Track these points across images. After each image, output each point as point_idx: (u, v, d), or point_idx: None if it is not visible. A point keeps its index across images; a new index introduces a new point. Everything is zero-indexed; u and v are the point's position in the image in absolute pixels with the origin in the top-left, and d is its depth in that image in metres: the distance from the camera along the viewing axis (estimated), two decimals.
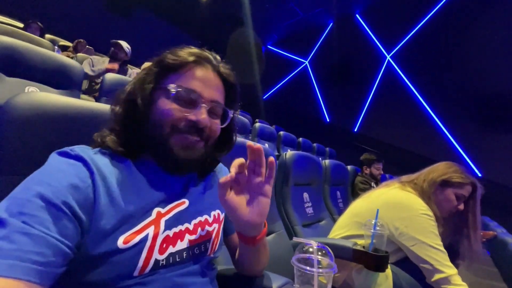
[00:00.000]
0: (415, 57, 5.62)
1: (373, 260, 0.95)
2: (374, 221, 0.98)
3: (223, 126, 0.55)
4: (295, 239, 0.61)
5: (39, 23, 3.29)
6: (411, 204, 1.05)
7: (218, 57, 0.55)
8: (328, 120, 6.88)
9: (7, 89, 1.28)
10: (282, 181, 1.37)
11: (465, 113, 4.88)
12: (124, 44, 2.74)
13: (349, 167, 2.56)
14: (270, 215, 1.15)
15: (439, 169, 1.15)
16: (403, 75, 5.69)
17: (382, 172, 2.58)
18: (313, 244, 0.55)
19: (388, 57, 5.97)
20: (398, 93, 5.68)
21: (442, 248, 0.97)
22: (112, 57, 2.70)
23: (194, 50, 0.52)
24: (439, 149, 5.02)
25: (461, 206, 1.10)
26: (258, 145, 0.46)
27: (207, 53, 0.53)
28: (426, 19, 5.53)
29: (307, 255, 0.55)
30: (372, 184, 2.41)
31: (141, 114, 0.49)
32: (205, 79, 0.51)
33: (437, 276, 0.94)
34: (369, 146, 5.48)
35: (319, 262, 0.53)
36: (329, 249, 0.55)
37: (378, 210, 1.05)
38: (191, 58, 0.50)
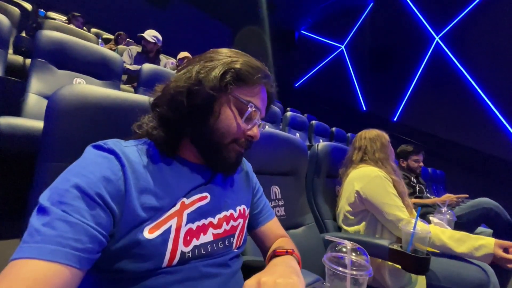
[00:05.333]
0: (469, 38, 4.93)
1: (412, 262, 0.88)
2: (414, 220, 0.90)
3: None
4: (327, 237, 0.58)
5: (82, 18, 3.52)
6: (365, 172, 1.23)
7: (272, 76, 0.57)
8: (364, 109, 6.48)
9: (58, 80, 1.40)
10: (313, 173, 1.33)
11: None
12: (149, 34, 2.75)
13: None
14: (300, 207, 1.14)
15: (376, 137, 1.36)
16: (455, 59, 5.06)
17: (422, 165, 2.31)
18: (347, 244, 0.52)
19: (437, 38, 5.35)
20: (448, 79, 5.08)
21: (398, 203, 1.13)
22: (144, 51, 2.81)
23: (262, 67, 0.54)
24: (496, 143, 4.41)
25: None
26: None
27: (269, 74, 0.56)
28: None
29: (340, 254, 0.52)
30: (412, 178, 2.22)
31: (203, 112, 0.49)
32: (264, 100, 0.56)
33: (401, 223, 1.07)
34: (410, 137, 5.04)
35: (352, 263, 0.51)
36: (364, 250, 0.52)
37: (419, 208, 0.97)
38: (264, 81, 0.53)
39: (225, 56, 0.51)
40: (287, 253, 0.54)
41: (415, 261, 0.87)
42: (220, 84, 0.48)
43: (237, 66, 0.50)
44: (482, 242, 0.98)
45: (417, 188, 2.17)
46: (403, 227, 0.93)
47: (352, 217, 1.23)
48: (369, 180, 1.19)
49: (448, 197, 1.80)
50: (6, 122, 0.84)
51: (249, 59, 0.53)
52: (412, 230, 0.88)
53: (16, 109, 1.25)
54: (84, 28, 3.63)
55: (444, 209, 1.42)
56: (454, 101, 4.98)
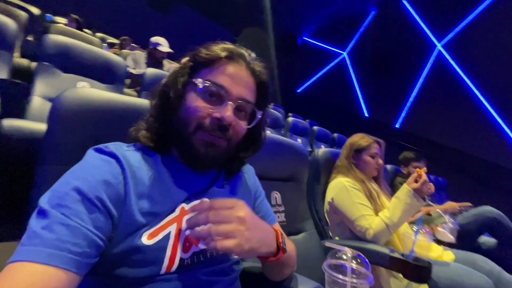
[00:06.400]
0: (471, 46, 4.93)
1: (413, 271, 0.87)
2: (415, 227, 0.90)
3: (249, 127, 0.53)
4: (327, 243, 0.58)
5: (73, 15, 3.47)
6: (333, 185, 1.24)
7: (253, 54, 0.54)
8: (366, 115, 6.48)
9: (63, 84, 1.41)
10: (313, 179, 1.32)
11: None
12: (167, 45, 2.84)
13: (388, 167, 2.38)
14: (301, 213, 1.13)
15: (348, 145, 1.34)
16: (457, 66, 5.06)
17: None
18: (347, 251, 0.51)
19: (439, 46, 5.36)
20: (450, 86, 5.07)
21: (362, 212, 1.13)
22: (154, 57, 2.85)
23: (229, 45, 0.51)
24: (499, 151, 4.37)
25: (380, 161, 1.31)
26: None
27: (241, 50, 0.52)
28: (485, 2, 4.82)
29: (340, 262, 0.51)
30: None
31: (172, 107, 0.50)
32: (236, 76, 0.49)
33: (367, 233, 1.10)
34: (413, 144, 5.01)
35: (353, 271, 0.50)
36: (365, 258, 0.51)
37: (421, 217, 0.96)
38: (224, 54, 0.49)
39: (196, 50, 0.52)
40: (282, 244, 0.49)
41: (416, 269, 0.86)
42: (178, 75, 0.50)
43: (198, 53, 0.50)
44: (403, 192, 1.09)
45: None
46: (404, 234, 0.92)
47: (334, 228, 1.24)
48: (336, 193, 1.21)
49: (450, 205, 1.78)
50: (10, 124, 0.85)
51: (214, 44, 0.51)
52: (413, 238, 0.88)
53: (20, 111, 1.26)
54: (86, 31, 3.67)
55: (446, 218, 1.40)
56: (456, 108, 4.97)
